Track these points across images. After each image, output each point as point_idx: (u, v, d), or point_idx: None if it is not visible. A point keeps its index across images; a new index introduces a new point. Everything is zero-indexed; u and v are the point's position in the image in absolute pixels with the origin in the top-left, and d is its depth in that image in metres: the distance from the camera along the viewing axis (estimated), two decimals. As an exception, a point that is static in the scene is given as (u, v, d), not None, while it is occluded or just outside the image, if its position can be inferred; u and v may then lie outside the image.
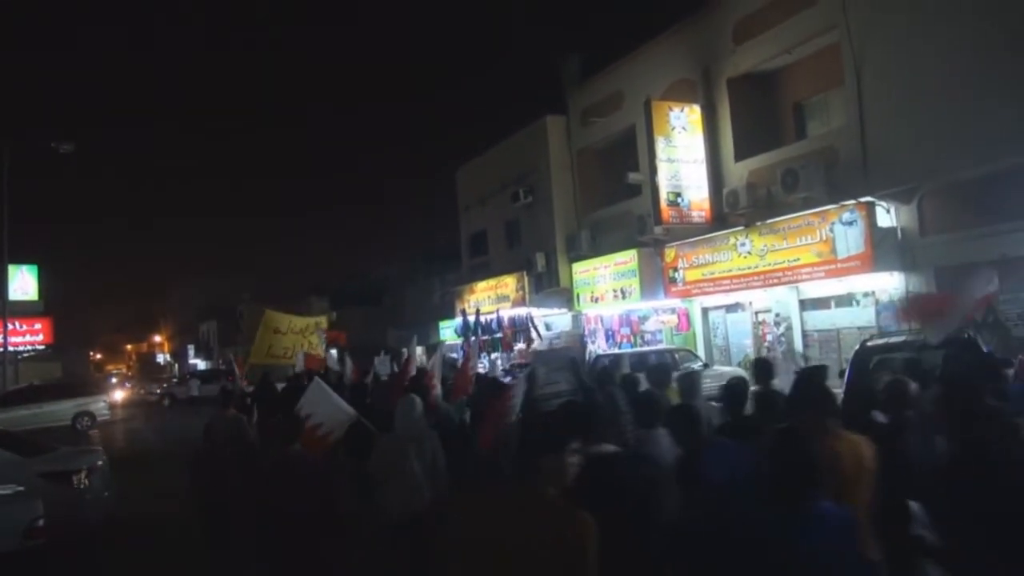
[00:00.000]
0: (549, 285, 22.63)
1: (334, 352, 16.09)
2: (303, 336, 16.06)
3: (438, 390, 8.02)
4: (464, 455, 5.94)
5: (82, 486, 8.27)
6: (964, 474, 3.29)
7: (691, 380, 5.97)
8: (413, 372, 9.35)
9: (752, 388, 5.41)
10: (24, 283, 32.48)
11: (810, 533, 2.52)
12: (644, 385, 6.39)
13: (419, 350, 22.60)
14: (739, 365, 17.16)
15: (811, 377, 5.31)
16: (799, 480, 2.64)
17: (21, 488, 7.40)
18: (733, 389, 4.96)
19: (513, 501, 2.81)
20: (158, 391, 36.56)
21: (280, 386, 13.30)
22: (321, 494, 4.90)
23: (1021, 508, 2.99)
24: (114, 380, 43.48)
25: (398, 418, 5.65)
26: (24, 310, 31.84)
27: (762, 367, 6.31)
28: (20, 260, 31.98)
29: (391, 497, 5.41)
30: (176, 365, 68.95)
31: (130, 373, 65.44)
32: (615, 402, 5.22)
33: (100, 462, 9.02)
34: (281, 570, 4.84)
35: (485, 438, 5.88)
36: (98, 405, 25.30)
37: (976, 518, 3.04)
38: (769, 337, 16.97)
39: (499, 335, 22.69)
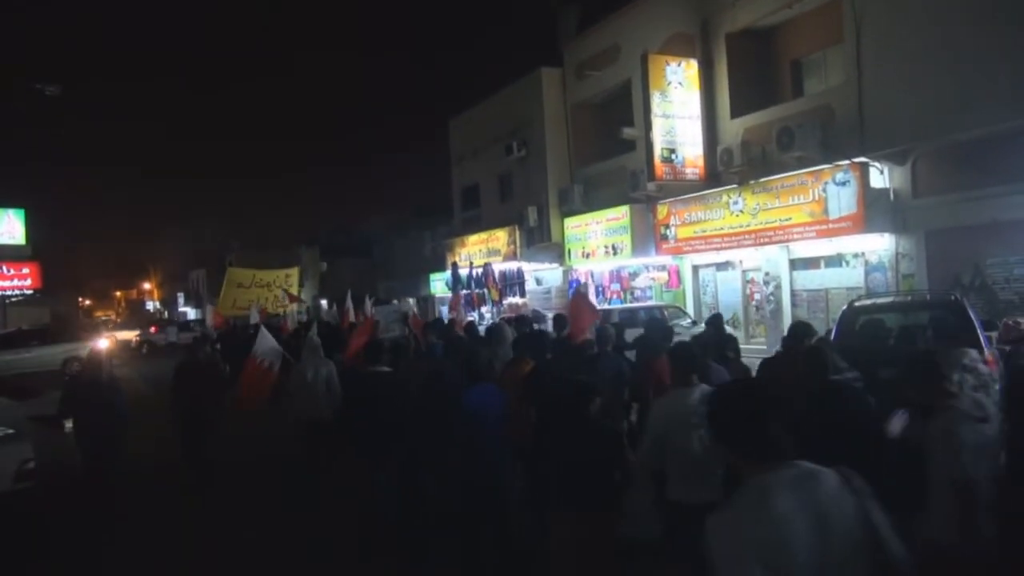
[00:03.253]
0: (541, 240, 22.60)
1: (324, 303, 17.03)
2: (267, 290, 17.19)
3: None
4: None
5: (72, 430, 8.30)
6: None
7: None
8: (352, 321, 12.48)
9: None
10: (11, 227, 32.17)
11: None
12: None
13: (411, 301, 22.91)
14: (728, 323, 17.25)
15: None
16: None
17: (11, 431, 7.43)
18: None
19: None
20: (136, 338, 36.66)
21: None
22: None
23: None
24: (100, 327, 43.38)
25: (304, 352, 8.14)
26: (12, 254, 31.61)
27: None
28: (7, 204, 31.64)
29: (298, 405, 7.84)
30: (166, 313, 68.83)
31: (119, 320, 65.19)
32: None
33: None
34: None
35: None
36: (87, 351, 25.30)
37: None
38: (757, 296, 17.07)
39: (485, 288, 22.67)
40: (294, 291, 18.60)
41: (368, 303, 15.05)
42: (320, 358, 8.01)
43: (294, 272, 19.38)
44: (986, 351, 6.78)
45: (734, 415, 2.22)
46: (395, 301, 14.35)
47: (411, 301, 13.96)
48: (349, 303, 15.54)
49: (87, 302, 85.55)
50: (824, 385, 4.30)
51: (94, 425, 7.55)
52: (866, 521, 2.09)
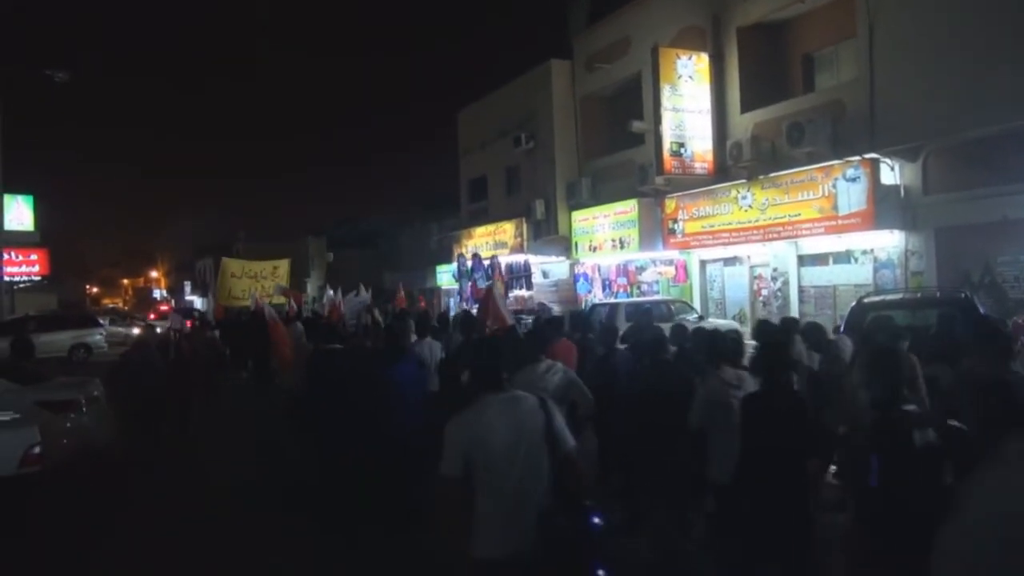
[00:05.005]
0: (548, 233, 22.54)
1: (331, 292, 17.25)
2: (257, 281, 17.70)
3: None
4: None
5: (80, 414, 8.34)
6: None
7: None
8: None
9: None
10: (20, 213, 32.18)
11: None
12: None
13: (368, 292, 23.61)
14: (734, 318, 17.22)
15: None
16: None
17: (18, 415, 7.44)
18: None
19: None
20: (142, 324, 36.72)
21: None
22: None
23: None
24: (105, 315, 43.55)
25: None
26: (20, 240, 31.62)
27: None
28: (16, 190, 31.66)
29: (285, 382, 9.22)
30: (173, 301, 69.08)
31: (126, 308, 65.45)
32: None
33: (97, 392, 9.08)
34: None
35: None
36: (95, 338, 25.42)
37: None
38: (764, 292, 17.00)
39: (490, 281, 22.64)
40: (284, 282, 18.73)
41: (337, 294, 16.37)
42: (302, 344, 9.35)
43: (282, 264, 19.53)
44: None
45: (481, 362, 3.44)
46: (354, 293, 15.94)
47: (368, 292, 16.27)
48: (330, 293, 17.21)
49: (94, 289, 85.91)
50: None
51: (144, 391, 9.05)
52: (548, 428, 3.25)
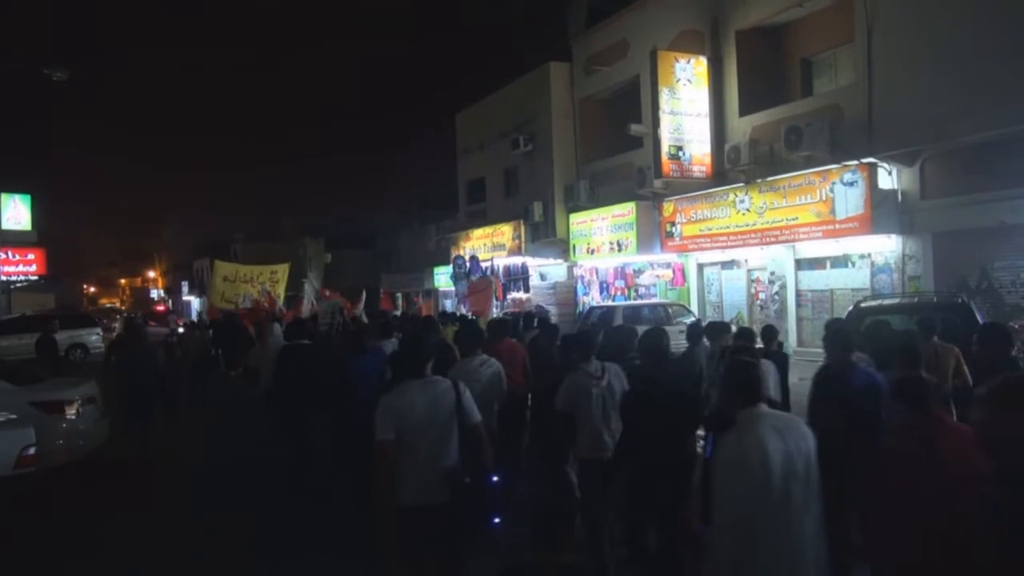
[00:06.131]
0: (546, 235, 22.54)
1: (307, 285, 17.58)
2: (250, 286, 17.83)
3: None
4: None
5: (75, 416, 8.32)
6: None
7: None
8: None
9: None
10: (17, 212, 32.14)
11: None
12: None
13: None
14: (733, 322, 17.22)
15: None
16: None
17: (13, 416, 7.43)
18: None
19: None
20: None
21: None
22: None
23: None
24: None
25: (268, 337, 9.70)
26: (17, 240, 31.57)
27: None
28: (14, 189, 31.61)
29: (263, 378, 8.75)
30: (171, 301, 68.96)
31: (124, 308, 65.40)
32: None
33: (93, 393, 9.06)
34: None
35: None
36: (91, 337, 25.38)
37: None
38: (762, 295, 17.01)
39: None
40: (279, 289, 18.71)
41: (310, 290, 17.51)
42: (280, 344, 9.65)
43: (281, 269, 19.47)
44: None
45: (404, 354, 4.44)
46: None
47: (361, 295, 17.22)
48: (306, 286, 18.13)
49: (92, 289, 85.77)
50: None
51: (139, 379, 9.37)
52: (458, 405, 4.12)
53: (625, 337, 6.69)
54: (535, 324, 10.38)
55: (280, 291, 18.72)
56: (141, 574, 5.79)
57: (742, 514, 2.94)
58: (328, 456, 7.63)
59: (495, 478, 4.20)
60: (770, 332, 7.36)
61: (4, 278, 31.82)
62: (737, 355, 3.77)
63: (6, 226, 28.96)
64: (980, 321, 7.67)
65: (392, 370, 5.78)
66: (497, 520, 4.13)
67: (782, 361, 6.67)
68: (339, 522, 6.64)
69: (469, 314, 14.89)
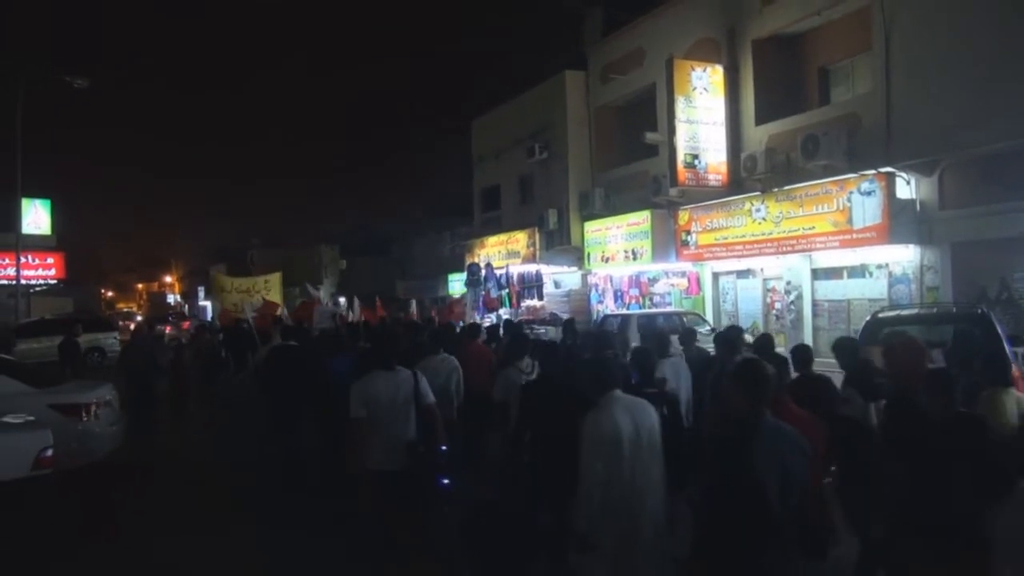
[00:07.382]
0: (560, 243, 22.52)
1: (343, 300, 17.84)
2: (247, 295, 18.80)
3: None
4: None
5: (92, 419, 8.39)
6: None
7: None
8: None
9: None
10: (37, 217, 32.52)
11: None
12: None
13: (342, 301, 24.60)
14: (748, 331, 17.10)
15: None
16: None
17: (31, 418, 7.49)
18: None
19: None
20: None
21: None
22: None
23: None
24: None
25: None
26: (37, 244, 31.91)
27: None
28: (34, 194, 31.97)
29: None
30: (187, 306, 69.48)
31: (140, 312, 65.89)
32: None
33: (110, 396, 9.14)
34: None
35: None
36: (109, 341, 25.59)
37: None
38: (778, 305, 16.90)
39: (506, 290, 22.67)
40: (274, 297, 19.09)
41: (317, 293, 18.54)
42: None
43: (273, 278, 20.28)
44: (1013, 366, 6.65)
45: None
46: (332, 303, 19.19)
47: (342, 301, 19.03)
48: (310, 291, 20.01)
49: (109, 294, 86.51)
50: None
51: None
52: (415, 389, 5.22)
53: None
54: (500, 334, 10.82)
55: (277, 298, 19.10)
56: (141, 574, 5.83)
57: (602, 472, 3.84)
58: (316, 448, 8.11)
59: (443, 448, 5.34)
60: (765, 340, 7.32)
61: (24, 282, 32.14)
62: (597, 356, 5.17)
63: (26, 230, 29.24)
64: (1001, 333, 7.58)
65: (361, 364, 6.34)
66: (446, 481, 5.36)
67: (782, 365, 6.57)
68: (332, 512, 6.84)
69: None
